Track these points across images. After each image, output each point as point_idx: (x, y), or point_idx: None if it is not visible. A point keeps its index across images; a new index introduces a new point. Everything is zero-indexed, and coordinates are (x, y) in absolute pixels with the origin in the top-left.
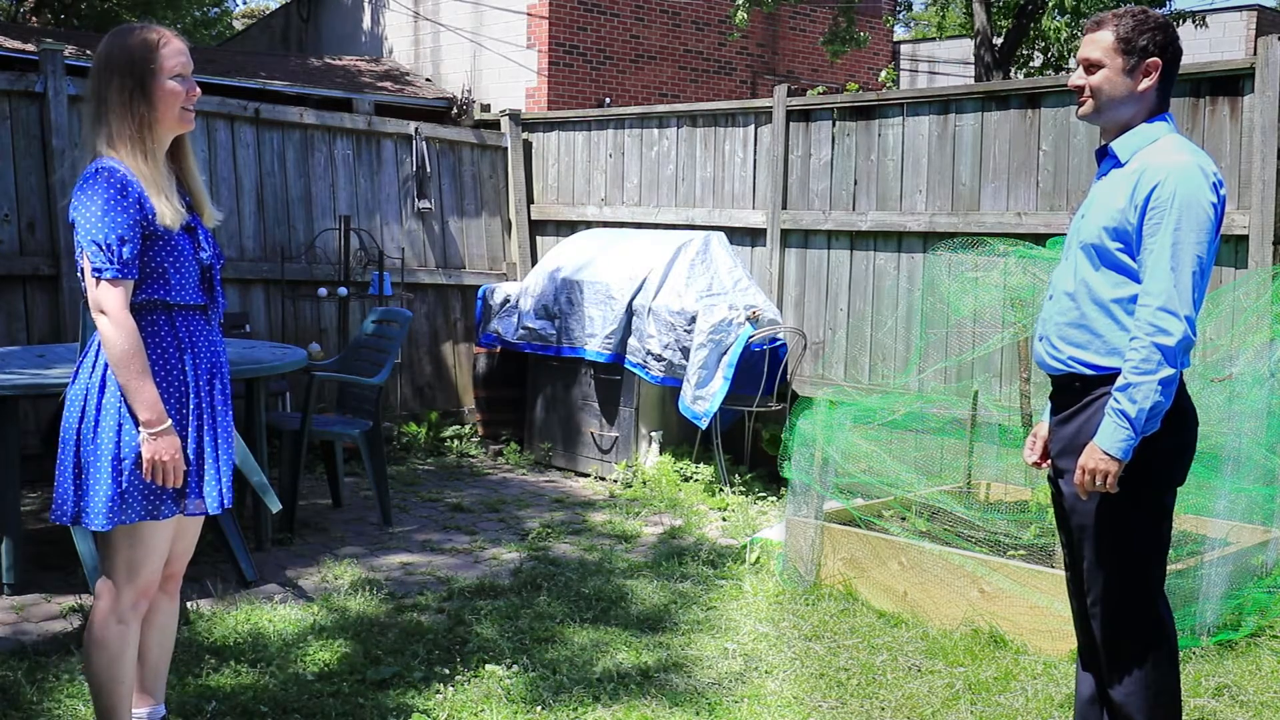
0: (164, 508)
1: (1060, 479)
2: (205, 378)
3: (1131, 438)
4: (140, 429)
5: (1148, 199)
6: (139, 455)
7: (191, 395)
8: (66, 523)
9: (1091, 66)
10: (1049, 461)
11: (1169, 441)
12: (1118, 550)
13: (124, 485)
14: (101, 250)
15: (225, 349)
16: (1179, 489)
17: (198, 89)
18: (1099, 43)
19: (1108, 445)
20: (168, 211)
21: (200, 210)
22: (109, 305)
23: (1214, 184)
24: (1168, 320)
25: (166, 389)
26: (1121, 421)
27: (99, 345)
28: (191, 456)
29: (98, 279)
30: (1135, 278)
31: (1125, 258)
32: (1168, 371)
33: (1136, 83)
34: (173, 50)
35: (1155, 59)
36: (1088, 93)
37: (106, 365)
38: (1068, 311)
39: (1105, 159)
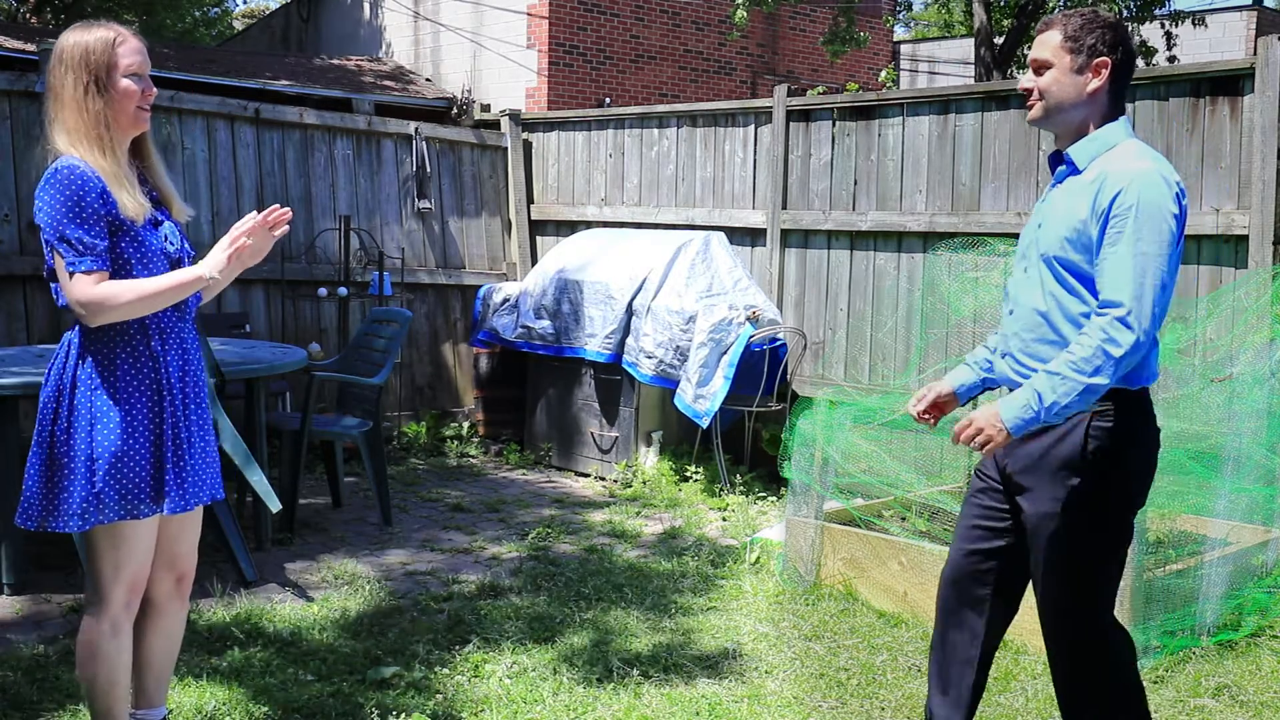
0: (142, 507)
1: (1020, 496)
2: (177, 371)
3: (1033, 421)
4: (208, 274)
5: (1109, 208)
6: (114, 456)
7: (165, 389)
8: (32, 527)
9: (1041, 67)
10: (933, 420)
11: (1139, 462)
12: (1076, 570)
13: (98, 486)
14: (71, 246)
15: (198, 342)
16: (1157, 500)
17: (154, 89)
18: (1047, 43)
19: (1009, 416)
20: (129, 204)
21: (169, 205)
22: (84, 296)
23: (1176, 194)
24: (1123, 332)
25: (138, 379)
26: (1034, 402)
27: (69, 346)
28: (168, 453)
29: (71, 273)
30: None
31: (1090, 270)
32: (1101, 380)
33: (1086, 83)
34: (129, 49)
35: (1105, 58)
36: (1036, 95)
37: (78, 365)
38: (1036, 328)
39: (1060, 165)
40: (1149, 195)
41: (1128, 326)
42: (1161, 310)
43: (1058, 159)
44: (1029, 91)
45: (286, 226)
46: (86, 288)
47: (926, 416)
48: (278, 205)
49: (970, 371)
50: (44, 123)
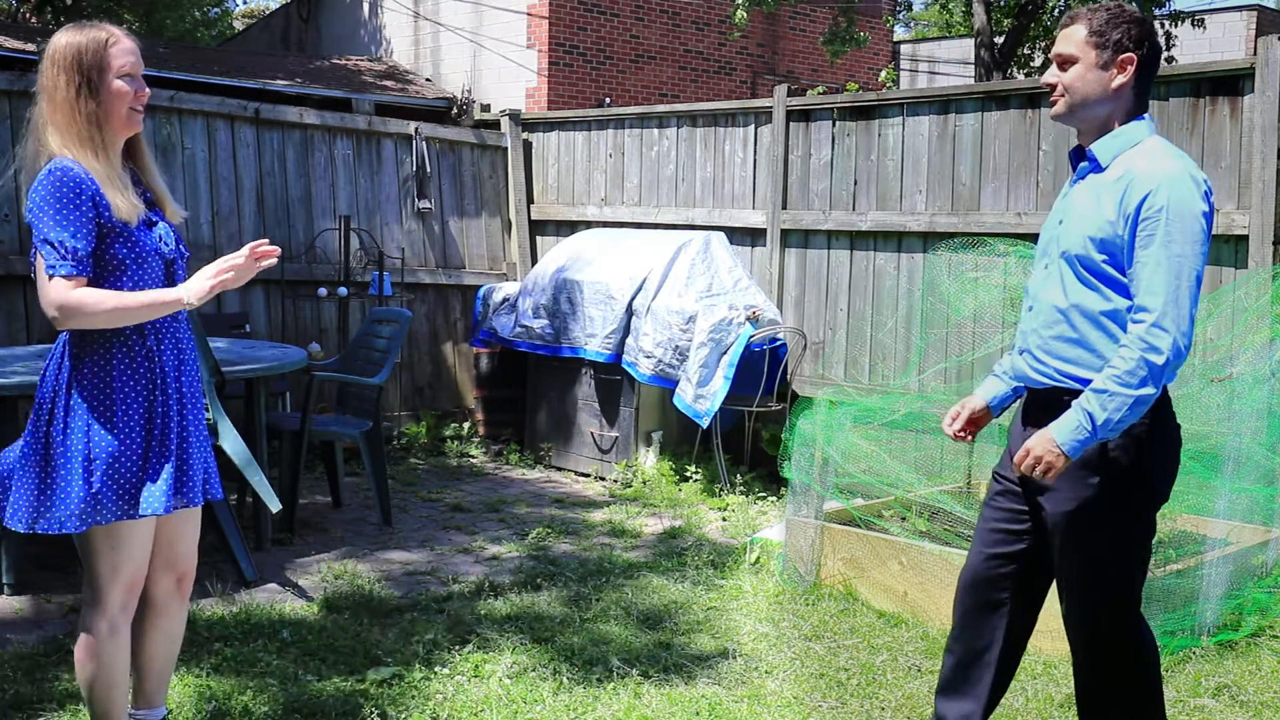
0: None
1: (1041, 496)
2: (173, 370)
3: (1089, 441)
4: (187, 299)
5: (1139, 210)
6: (111, 456)
7: (159, 388)
8: (21, 529)
9: (1065, 62)
10: (969, 435)
11: (1159, 459)
12: (1100, 568)
13: (95, 486)
14: (54, 249)
15: (193, 341)
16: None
17: (146, 90)
18: (1072, 37)
19: (1064, 440)
20: (123, 205)
21: (162, 207)
22: (59, 299)
23: (1205, 193)
24: (1161, 337)
25: (134, 378)
26: (1086, 422)
27: (64, 347)
28: (154, 452)
29: (50, 276)
30: (1123, 290)
31: (1112, 270)
32: (1149, 390)
33: (1111, 78)
34: (122, 49)
35: (1130, 54)
36: (1060, 90)
37: (74, 365)
38: (1055, 325)
39: (1082, 161)
40: (1178, 196)
41: (1165, 331)
42: (1195, 308)
43: (1079, 155)
44: (1052, 86)
45: (273, 260)
46: (62, 292)
47: (963, 434)
48: (266, 240)
49: (1000, 383)
50: (35, 123)
